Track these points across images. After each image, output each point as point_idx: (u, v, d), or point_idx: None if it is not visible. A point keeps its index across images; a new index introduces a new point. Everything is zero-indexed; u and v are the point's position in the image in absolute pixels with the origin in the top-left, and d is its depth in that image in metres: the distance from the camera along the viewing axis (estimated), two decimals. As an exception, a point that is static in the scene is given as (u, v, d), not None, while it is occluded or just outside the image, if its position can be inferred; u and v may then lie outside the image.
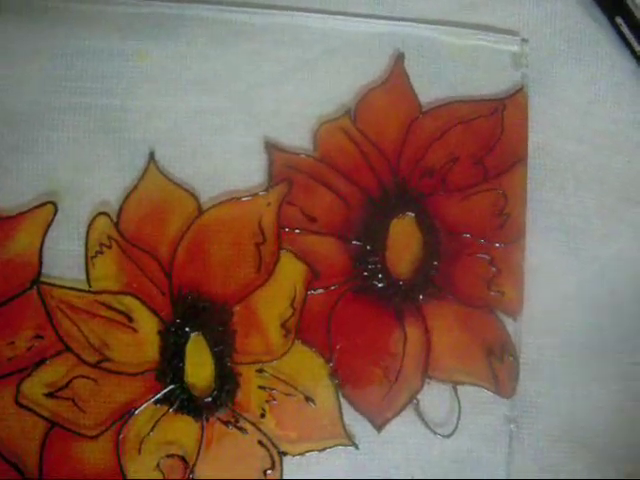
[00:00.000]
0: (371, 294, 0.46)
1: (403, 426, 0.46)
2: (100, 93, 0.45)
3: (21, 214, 0.45)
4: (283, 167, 0.46)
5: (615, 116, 0.49)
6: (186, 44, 0.46)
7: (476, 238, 0.46)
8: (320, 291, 0.45)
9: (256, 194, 0.46)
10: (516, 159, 0.47)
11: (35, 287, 0.45)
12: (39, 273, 0.45)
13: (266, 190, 0.45)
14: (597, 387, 0.47)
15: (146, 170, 0.45)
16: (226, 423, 0.45)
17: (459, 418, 0.46)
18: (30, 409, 0.44)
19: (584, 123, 0.48)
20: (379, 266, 0.46)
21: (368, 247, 0.45)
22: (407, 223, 0.46)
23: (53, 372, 0.44)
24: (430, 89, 0.46)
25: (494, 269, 0.46)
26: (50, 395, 0.44)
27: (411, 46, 0.46)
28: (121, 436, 0.44)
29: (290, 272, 0.45)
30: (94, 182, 0.45)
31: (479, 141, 0.46)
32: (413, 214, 0.46)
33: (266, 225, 0.45)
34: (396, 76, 0.46)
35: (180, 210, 0.45)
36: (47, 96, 0.45)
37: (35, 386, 0.44)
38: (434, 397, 0.46)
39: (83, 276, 0.45)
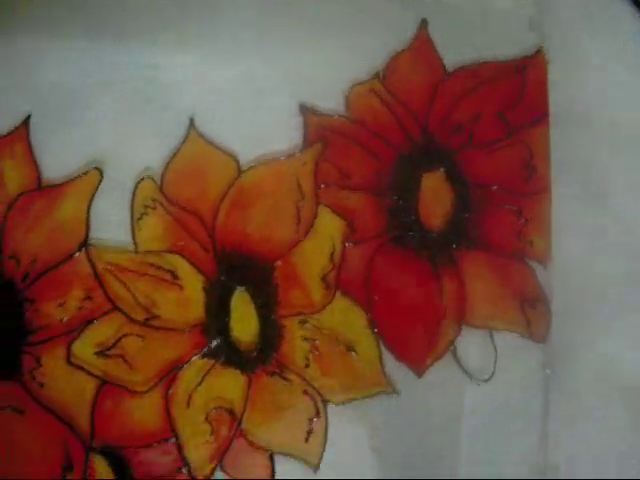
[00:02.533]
0: (406, 246, 0.33)
1: (442, 373, 0.33)
2: (139, 65, 0.33)
3: (68, 181, 0.32)
4: (317, 128, 0.33)
5: (633, 72, 0.35)
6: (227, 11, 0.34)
7: (504, 190, 0.33)
8: (357, 244, 0.32)
9: (293, 154, 0.33)
10: (539, 116, 0.34)
11: (83, 250, 0.32)
12: (87, 237, 0.32)
13: (302, 150, 0.33)
14: (631, 329, 0.34)
15: (187, 135, 0.33)
16: (272, 374, 0.32)
17: (495, 364, 0.33)
18: (81, 368, 0.31)
19: (603, 80, 0.35)
20: (412, 219, 0.33)
21: (401, 201, 0.33)
22: (437, 178, 0.33)
23: (103, 331, 0.32)
24: (453, 52, 0.34)
25: (522, 219, 0.33)
26: (100, 354, 0.31)
27: (435, 12, 0.34)
28: (170, 391, 0.31)
29: (328, 227, 0.33)
30: (137, 150, 0.33)
31: (502, 99, 0.33)
32: (443, 169, 0.33)
33: (303, 183, 0.33)
34: (421, 41, 0.34)
35: (221, 172, 0.32)
36: (90, 69, 0.33)
37: (85, 346, 0.31)
38: (471, 344, 0.33)
39: (129, 239, 0.32)
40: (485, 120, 0.33)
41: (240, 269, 0.33)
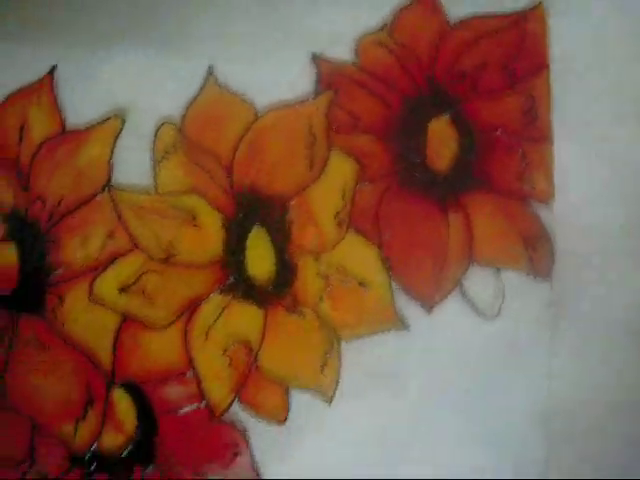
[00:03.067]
0: (414, 187, 0.31)
1: (451, 309, 0.31)
2: (158, 17, 0.32)
3: (91, 127, 0.31)
4: (329, 76, 0.31)
5: (633, 26, 0.33)
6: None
7: (507, 135, 0.32)
8: (367, 185, 0.31)
9: (306, 100, 0.31)
10: (540, 66, 0.32)
11: (106, 192, 0.31)
12: (109, 180, 0.31)
13: (314, 97, 0.31)
14: (633, 272, 0.32)
15: (206, 82, 0.31)
16: (287, 309, 0.31)
17: (503, 302, 0.31)
18: (103, 305, 0.30)
19: (602, 34, 0.33)
20: (419, 161, 0.31)
21: (409, 144, 0.31)
22: (443, 123, 0.32)
23: (124, 269, 0.30)
24: (457, 5, 0.32)
25: (525, 162, 0.32)
26: (121, 291, 0.30)
27: None
28: (189, 326, 0.30)
29: (340, 168, 0.31)
30: (157, 97, 0.31)
31: (504, 50, 0.32)
32: (448, 115, 0.32)
33: (316, 127, 0.31)
34: None
35: (238, 116, 0.31)
36: (110, 20, 0.32)
37: (107, 283, 0.30)
38: (478, 282, 0.31)
39: (150, 181, 0.31)
40: (488, 69, 0.32)
41: (256, 208, 0.31)
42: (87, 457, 0.30)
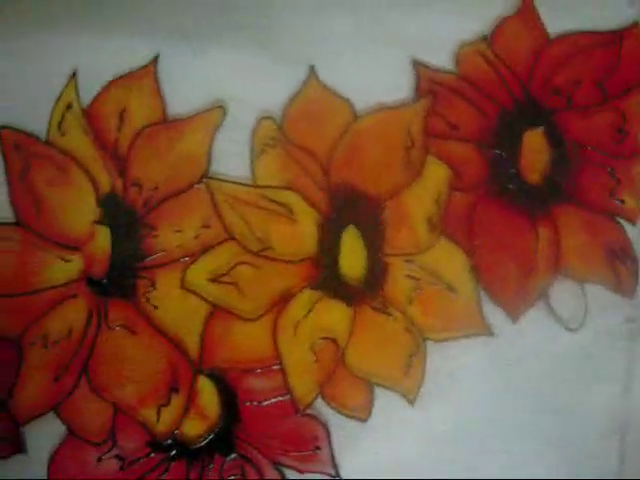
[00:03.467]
0: (507, 197, 0.32)
1: (535, 319, 0.31)
2: (263, 13, 0.32)
3: (192, 117, 0.31)
4: (428, 82, 0.32)
5: None
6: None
7: (598, 151, 0.32)
8: (461, 192, 0.31)
9: (405, 104, 0.32)
10: (633, 85, 0.32)
11: (204, 181, 0.31)
12: (208, 169, 0.31)
13: (413, 102, 0.32)
14: None
15: (307, 80, 0.31)
16: (376, 309, 0.31)
17: (585, 314, 0.31)
18: (194, 293, 0.30)
19: None
20: (514, 171, 0.32)
21: (503, 155, 0.32)
22: (537, 135, 0.32)
23: (217, 259, 0.30)
24: (556, 21, 0.32)
25: (615, 179, 0.32)
26: (214, 280, 0.30)
27: None
28: (278, 320, 0.30)
29: (435, 174, 0.31)
30: (257, 92, 0.31)
31: (599, 67, 0.32)
32: (542, 127, 0.32)
33: (414, 132, 0.31)
34: (526, 9, 0.32)
35: (337, 116, 0.31)
36: (214, 15, 0.32)
37: (200, 272, 0.30)
38: (563, 294, 0.31)
39: (248, 174, 0.31)
40: (583, 85, 0.32)
41: (351, 208, 0.31)
42: (167, 443, 0.30)
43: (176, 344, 0.30)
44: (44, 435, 0.31)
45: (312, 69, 0.32)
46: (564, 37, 0.33)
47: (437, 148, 0.32)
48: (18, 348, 0.30)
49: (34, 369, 0.30)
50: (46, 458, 0.30)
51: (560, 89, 0.32)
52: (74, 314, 0.31)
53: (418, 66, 0.32)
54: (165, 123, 0.31)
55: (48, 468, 0.30)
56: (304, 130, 0.31)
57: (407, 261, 0.31)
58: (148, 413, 0.30)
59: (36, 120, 0.32)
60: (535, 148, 0.32)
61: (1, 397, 0.31)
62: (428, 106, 0.32)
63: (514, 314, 0.31)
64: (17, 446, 0.31)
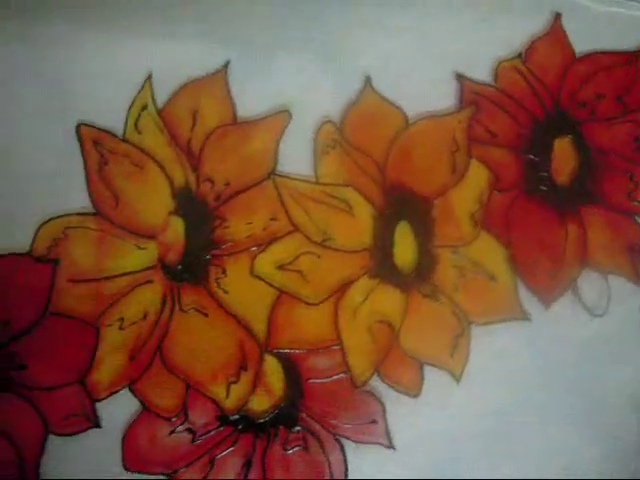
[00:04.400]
0: (539, 197, 0.35)
1: (565, 305, 0.34)
2: (325, 27, 0.34)
3: (260, 119, 0.33)
4: (470, 94, 0.35)
5: None
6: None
7: (619, 158, 0.36)
8: (500, 192, 0.34)
9: (450, 113, 0.35)
10: None
11: (271, 178, 0.33)
12: (274, 168, 0.33)
13: (457, 111, 0.35)
14: None
15: (363, 89, 0.34)
16: (426, 295, 0.33)
17: (609, 302, 0.35)
18: (262, 279, 0.32)
19: None
20: (545, 174, 0.35)
21: (536, 160, 0.35)
22: (566, 143, 0.35)
23: (284, 249, 0.32)
24: (582, 42, 0.36)
25: (633, 183, 0.36)
26: (280, 268, 0.32)
27: (567, 9, 0.36)
28: (339, 304, 0.33)
29: (477, 175, 0.34)
30: (318, 100, 0.34)
31: (619, 84, 0.36)
32: (570, 136, 0.35)
33: (458, 137, 0.34)
34: (555, 30, 0.36)
35: (390, 122, 0.34)
36: (281, 26, 0.34)
37: (268, 260, 0.32)
38: (589, 283, 0.35)
39: (311, 172, 0.33)
40: (605, 99, 0.36)
41: (404, 204, 0.34)
42: (236, 417, 0.32)
43: (245, 326, 0.33)
44: (118, 410, 0.32)
45: (368, 79, 0.35)
46: (588, 56, 0.36)
47: (479, 152, 0.35)
48: (96, 330, 0.32)
49: (110, 349, 0.32)
50: (120, 432, 0.32)
51: (585, 102, 0.36)
52: (149, 298, 0.33)
53: (461, 79, 0.35)
54: (235, 125, 0.34)
55: (122, 442, 0.32)
56: (361, 134, 0.34)
57: (453, 252, 0.34)
58: (218, 389, 0.32)
59: (113, 119, 0.34)
60: (564, 154, 0.36)
61: (79, 375, 0.32)
62: (471, 115, 0.35)
63: (547, 301, 0.35)
64: (92, 421, 0.32)
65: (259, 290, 0.33)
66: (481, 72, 0.36)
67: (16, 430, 0.32)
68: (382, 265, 0.34)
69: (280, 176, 0.34)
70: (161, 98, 0.34)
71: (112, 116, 0.34)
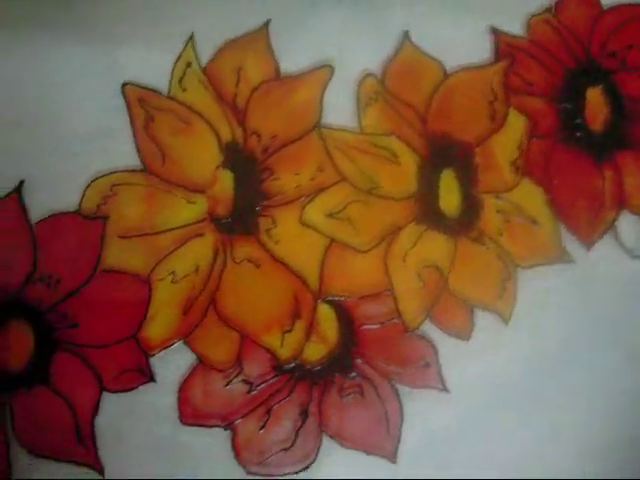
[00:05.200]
0: (576, 144, 0.34)
1: (606, 248, 0.34)
2: None
3: (304, 73, 0.33)
4: (506, 46, 0.34)
5: None
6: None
7: None
8: (538, 139, 0.34)
9: (487, 65, 0.34)
10: None
11: (316, 130, 0.32)
12: (319, 120, 0.32)
13: (494, 62, 0.34)
14: None
15: (402, 43, 0.34)
16: (473, 240, 0.32)
17: None
18: (312, 229, 0.31)
19: None
20: (580, 122, 0.34)
21: (571, 108, 0.35)
22: (598, 92, 0.35)
23: (332, 198, 0.31)
24: None
25: None
26: (329, 217, 0.31)
27: None
28: (388, 251, 0.32)
29: (515, 123, 0.34)
30: (358, 53, 0.33)
31: None
32: (602, 85, 0.35)
33: (496, 88, 0.34)
34: None
35: (430, 74, 0.33)
36: None
37: (317, 210, 0.31)
38: (628, 225, 0.34)
39: (355, 124, 0.33)
40: (634, 49, 0.36)
41: (447, 152, 0.33)
42: (291, 366, 0.31)
43: (297, 275, 0.31)
44: (173, 364, 0.30)
45: (406, 34, 0.33)
46: (616, 8, 0.36)
47: (516, 102, 0.33)
48: (148, 285, 0.31)
49: (163, 303, 0.30)
50: (175, 387, 0.30)
51: (615, 53, 0.35)
52: (201, 251, 0.31)
53: (496, 32, 0.34)
54: (279, 80, 0.32)
55: (177, 396, 0.30)
56: (401, 86, 0.33)
57: (497, 198, 0.32)
58: (273, 339, 0.30)
59: (156, 79, 0.33)
60: (597, 102, 0.35)
61: (132, 331, 0.32)
62: (507, 66, 0.33)
63: (588, 243, 0.33)
64: (147, 376, 0.30)
65: (310, 240, 0.31)
66: (514, 26, 0.35)
67: (71, 389, 0.30)
68: (428, 212, 0.32)
69: (325, 128, 0.32)
70: (204, 57, 0.33)
71: (156, 76, 0.33)
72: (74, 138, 0.31)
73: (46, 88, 0.32)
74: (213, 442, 0.30)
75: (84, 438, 0.30)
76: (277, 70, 0.32)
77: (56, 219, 0.31)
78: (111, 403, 0.30)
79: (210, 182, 0.31)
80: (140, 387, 0.30)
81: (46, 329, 0.30)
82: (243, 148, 0.31)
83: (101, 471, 0.30)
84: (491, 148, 0.33)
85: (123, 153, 0.31)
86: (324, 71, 0.32)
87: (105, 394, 0.30)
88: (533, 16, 0.34)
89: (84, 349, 0.30)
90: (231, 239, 0.31)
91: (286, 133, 0.32)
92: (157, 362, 0.31)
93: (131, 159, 0.31)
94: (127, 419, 0.30)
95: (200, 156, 0.31)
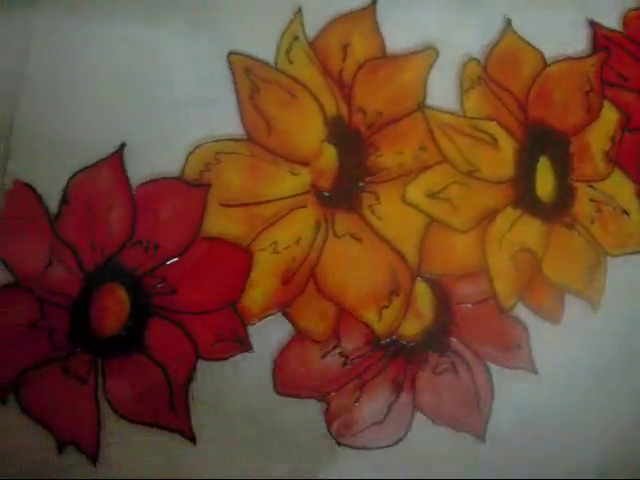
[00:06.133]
0: None
1: None
2: None
3: (410, 54, 0.32)
4: (602, 39, 0.34)
5: None
6: None
7: None
8: (631, 132, 0.33)
9: (584, 57, 0.33)
10: None
11: (420, 110, 0.31)
12: (423, 101, 0.31)
13: (590, 55, 0.34)
14: None
15: (504, 30, 0.33)
16: (565, 227, 0.32)
17: None
18: (414, 207, 0.30)
19: None
20: None
21: None
22: None
23: (433, 178, 0.30)
24: None
25: None
26: (431, 196, 0.30)
27: None
28: (486, 233, 0.31)
29: (609, 115, 0.33)
30: (461, 38, 0.32)
31: None
32: None
33: (592, 79, 0.33)
34: None
35: (530, 62, 0.33)
36: None
37: (418, 189, 0.30)
38: None
39: (457, 107, 0.32)
40: None
41: (543, 140, 0.31)
42: (387, 342, 0.29)
43: (397, 252, 0.29)
44: (270, 335, 0.28)
45: (508, 21, 0.32)
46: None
47: (611, 94, 0.32)
48: (249, 253, 0.29)
49: (263, 273, 0.28)
50: (271, 357, 0.28)
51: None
52: (303, 223, 0.29)
53: (594, 25, 0.32)
54: (385, 58, 0.30)
55: (273, 366, 0.28)
56: (503, 72, 0.31)
57: (589, 187, 0.31)
58: (370, 314, 0.29)
59: (261, 50, 0.32)
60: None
61: (231, 299, 0.30)
62: (603, 59, 0.31)
63: None
64: (244, 345, 0.28)
65: (410, 218, 0.29)
66: (611, 19, 0.35)
67: (166, 355, 0.29)
68: (525, 196, 0.30)
69: (429, 108, 0.30)
70: (311, 31, 0.32)
71: (261, 46, 0.32)
72: (177, 104, 0.29)
73: (151, 53, 0.30)
74: (306, 413, 0.29)
75: (177, 405, 0.28)
76: (383, 49, 0.30)
77: (157, 184, 0.29)
78: (206, 371, 0.28)
79: (314, 155, 0.30)
80: (236, 356, 0.29)
81: (142, 294, 0.29)
82: (348, 123, 0.30)
83: (193, 439, 0.28)
84: (586, 138, 0.31)
85: (226, 122, 0.29)
86: (429, 53, 0.31)
87: (201, 362, 0.29)
88: (630, 10, 0.33)
89: (181, 316, 0.29)
90: (333, 213, 0.29)
91: (391, 111, 0.30)
92: (254, 332, 0.28)
93: (233, 128, 0.29)
94: (221, 388, 0.28)
95: (305, 129, 0.29)
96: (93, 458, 0.27)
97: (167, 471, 0.26)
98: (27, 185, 0.27)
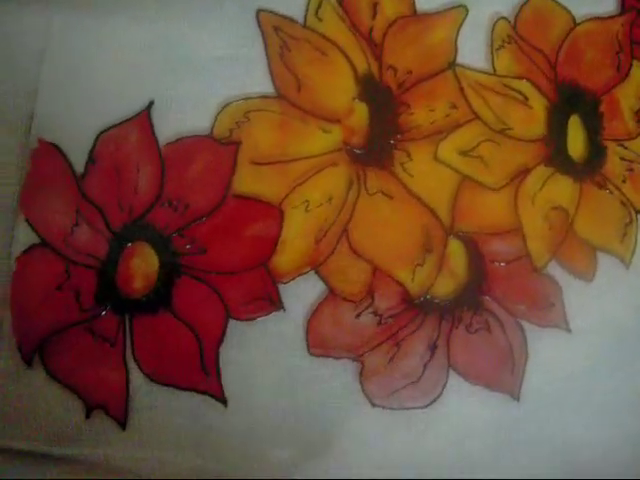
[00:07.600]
0: None
1: None
2: None
3: (439, 12, 0.30)
4: (633, 1, 0.32)
5: None
6: None
7: None
8: None
9: (613, 16, 0.32)
10: None
11: (451, 68, 0.29)
12: (454, 59, 0.29)
13: (620, 14, 0.32)
14: None
15: None
16: (596, 185, 0.30)
17: None
18: (446, 165, 0.28)
19: None
20: None
21: None
22: None
23: (465, 136, 0.28)
24: None
25: None
26: (462, 154, 0.28)
27: None
28: (518, 191, 0.29)
29: (639, 75, 0.31)
30: None
31: None
32: None
33: (621, 39, 0.31)
34: None
35: (559, 22, 0.31)
36: None
37: (450, 146, 0.28)
38: None
39: (488, 65, 0.30)
40: None
41: (574, 99, 0.29)
42: (421, 300, 0.27)
43: (429, 209, 0.27)
44: (303, 294, 0.26)
45: None
46: None
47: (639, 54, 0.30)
48: (280, 212, 0.27)
49: (295, 232, 0.26)
50: (304, 317, 0.26)
51: None
52: (334, 181, 0.26)
53: None
54: (415, 16, 0.27)
55: (306, 326, 0.26)
56: (533, 31, 0.28)
57: (620, 145, 0.29)
58: (404, 272, 0.26)
59: (289, 8, 0.30)
60: None
61: (262, 259, 0.28)
62: (632, 19, 0.29)
63: None
64: (276, 305, 0.26)
65: (442, 175, 0.27)
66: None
67: (196, 315, 0.26)
68: (556, 155, 0.28)
69: (460, 66, 0.28)
70: (339, -10, 0.29)
71: (290, 4, 0.30)
72: (206, 62, 0.27)
73: (180, 11, 0.28)
74: (340, 373, 0.27)
75: (207, 366, 0.26)
76: (413, 7, 0.28)
77: (186, 142, 0.27)
78: (237, 331, 0.26)
79: (346, 113, 0.27)
80: (268, 316, 0.27)
81: (171, 254, 0.26)
82: (379, 81, 0.27)
83: (224, 401, 0.26)
84: (616, 97, 0.29)
85: (255, 80, 0.27)
86: (459, 11, 0.28)
87: (231, 322, 0.26)
88: (655, -27, 0.31)
89: (211, 275, 0.26)
90: (365, 170, 0.27)
91: (421, 70, 0.28)
92: (286, 291, 0.26)
93: (263, 86, 0.27)
94: (253, 348, 0.26)
95: (336, 86, 0.27)
96: (122, 423, 0.25)
97: (197, 436, 0.25)
98: (52, 144, 0.24)
